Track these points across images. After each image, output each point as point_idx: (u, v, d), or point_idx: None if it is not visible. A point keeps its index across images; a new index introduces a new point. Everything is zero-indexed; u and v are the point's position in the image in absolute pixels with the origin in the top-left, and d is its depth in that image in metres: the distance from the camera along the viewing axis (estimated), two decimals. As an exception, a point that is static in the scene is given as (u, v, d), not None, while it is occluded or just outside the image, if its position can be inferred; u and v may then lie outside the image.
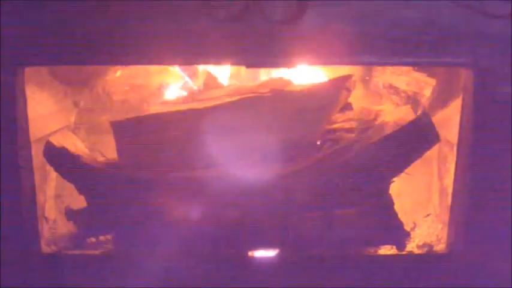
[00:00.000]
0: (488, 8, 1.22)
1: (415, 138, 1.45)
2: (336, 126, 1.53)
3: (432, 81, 1.58)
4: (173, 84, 1.73)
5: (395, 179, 1.49)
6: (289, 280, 1.40)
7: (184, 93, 1.68)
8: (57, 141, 1.47)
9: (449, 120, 1.46)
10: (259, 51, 1.27)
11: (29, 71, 1.34)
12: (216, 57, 1.30)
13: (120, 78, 1.71)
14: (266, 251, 1.47)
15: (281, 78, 1.56)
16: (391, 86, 1.71)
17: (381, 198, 1.47)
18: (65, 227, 1.53)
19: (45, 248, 1.45)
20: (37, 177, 1.42)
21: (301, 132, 1.49)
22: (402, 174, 1.49)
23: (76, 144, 1.52)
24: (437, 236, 1.52)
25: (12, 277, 1.35)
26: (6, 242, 1.35)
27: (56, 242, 1.49)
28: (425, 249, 1.48)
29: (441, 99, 1.56)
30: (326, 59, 1.32)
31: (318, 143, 1.52)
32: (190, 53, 1.28)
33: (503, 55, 1.26)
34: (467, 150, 1.35)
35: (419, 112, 1.57)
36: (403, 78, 1.66)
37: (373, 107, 1.63)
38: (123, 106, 1.72)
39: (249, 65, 1.31)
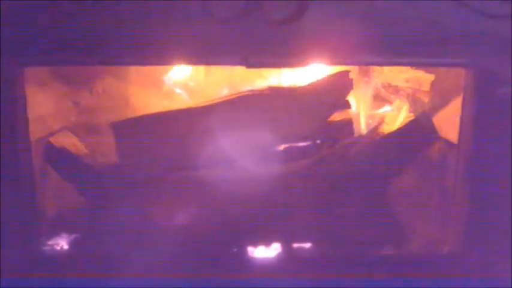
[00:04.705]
0: (488, 8, 1.22)
1: (415, 138, 1.45)
2: (335, 125, 1.53)
3: (431, 77, 1.58)
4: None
5: (395, 178, 1.49)
6: (289, 280, 1.40)
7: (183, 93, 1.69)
8: (57, 141, 1.48)
9: (449, 120, 1.46)
10: (259, 51, 1.27)
11: (29, 71, 1.34)
12: (216, 57, 1.30)
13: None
14: (266, 251, 1.47)
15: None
16: (390, 85, 1.71)
17: (381, 198, 1.47)
18: (65, 227, 1.53)
19: (45, 248, 1.45)
20: (37, 177, 1.42)
21: (300, 130, 1.50)
22: (402, 174, 1.49)
23: (76, 144, 1.52)
24: (438, 236, 1.52)
25: (12, 277, 1.35)
26: (6, 242, 1.34)
27: (56, 242, 1.49)
28: (425, 250, 1.48)
29: (441, 98, 1.56)
30: (326, 59, 1.32)
31: (318, 142, 1.52)
32: (190, 53, 1.28)
33: (503, 55, 1.26)
34: (467, 150, 1.35)
35: (419, 111, 1.57)
36: (402, 75, 1.66)
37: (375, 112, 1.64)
38: (123, 106, 1.71)
39: (249, 65, 1.31)
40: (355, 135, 1.55)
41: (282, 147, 1.51)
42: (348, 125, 1.52)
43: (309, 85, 1.53)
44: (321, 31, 1.25)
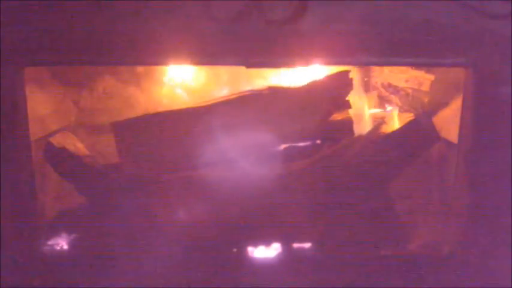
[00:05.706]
0: (488, 8, 1.22)
1: (415, 138, 1.45)
2: (335, 125, 1.53)
3: (431, 77, 1.58)
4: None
5: (395, 178, 1.49)
6: (288, 280, 1.40)
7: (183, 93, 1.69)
8: (57, 141, 1.48)
9: (449, 120, 1.46)
10: (259, 51, 1.27)
11: (29, 71, 1.34)
12: (216, 57, 1.30)
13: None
14: (266, 251, 1.47)
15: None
16: (390, 85, 1.71)
17: (381, 198, 1.47)
18: (65, 227, 1.53)
19: (45, 248, 1.45)
20: (37, 177, 1.42)
21: (300, 130, 1.50)
22: (402, 174, 1.49)
23: (76, 145, 1.52)
24: (438, 236, 1.52)
25: (12, 277, 1.35)
26: (6, 242, 1.34)
27: (56, 242, 1.49)
28: (425, 250, 1.48)
29: (441, 98, 1.56)
30: (326, 59, 1.32)
31: (318, 142, 1.52)
32: (190, 53, 1.28)
33: (503, 55, 1.26)
34: (467, 150, 1.35)
35: (419, 111, 1.57)
36: (402, 75, 1.66)
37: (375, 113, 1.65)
38: (123, 106, 1.72)
39: (249, 65, 1.31)
40: (355, 135, 1.55)
41: (282, 147, 1.51)
42: (348, 125, 1.52)
43: (308, 85, 1.53)
44: (320, 31, 1.25)
